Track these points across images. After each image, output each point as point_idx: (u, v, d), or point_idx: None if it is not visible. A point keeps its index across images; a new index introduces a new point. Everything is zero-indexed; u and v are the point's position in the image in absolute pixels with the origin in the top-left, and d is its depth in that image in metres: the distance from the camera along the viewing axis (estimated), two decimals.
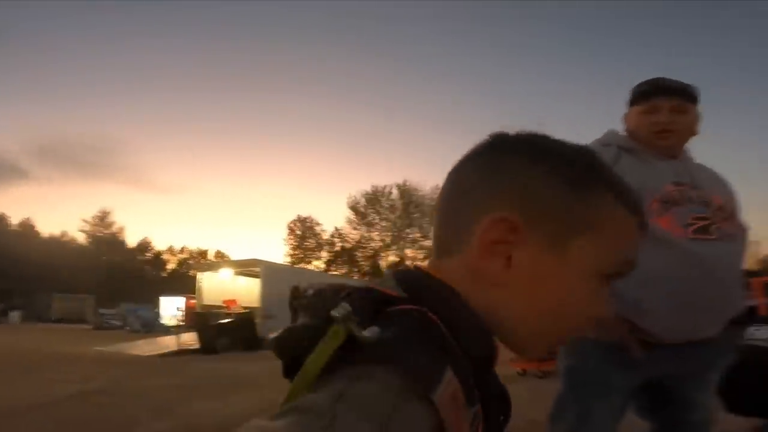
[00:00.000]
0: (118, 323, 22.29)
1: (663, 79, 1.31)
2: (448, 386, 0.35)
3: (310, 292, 0.40)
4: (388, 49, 61.16)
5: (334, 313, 0.35)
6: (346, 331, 0.34)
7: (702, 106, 1.34)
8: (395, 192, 32.71)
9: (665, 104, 1.27)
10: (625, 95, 1.39)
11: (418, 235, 32.66)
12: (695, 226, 1.16)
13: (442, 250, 0.46)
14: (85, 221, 47.90)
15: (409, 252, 33.33)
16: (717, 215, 1.20)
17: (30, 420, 3.53)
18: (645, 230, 0.46)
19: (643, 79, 1.35)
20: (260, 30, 63.39)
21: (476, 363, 0.39)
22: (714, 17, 53.88)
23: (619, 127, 1.40)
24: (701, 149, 1.40)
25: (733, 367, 2.30)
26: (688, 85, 1.31)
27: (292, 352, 0.37)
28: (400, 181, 33.16)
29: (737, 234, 1.23)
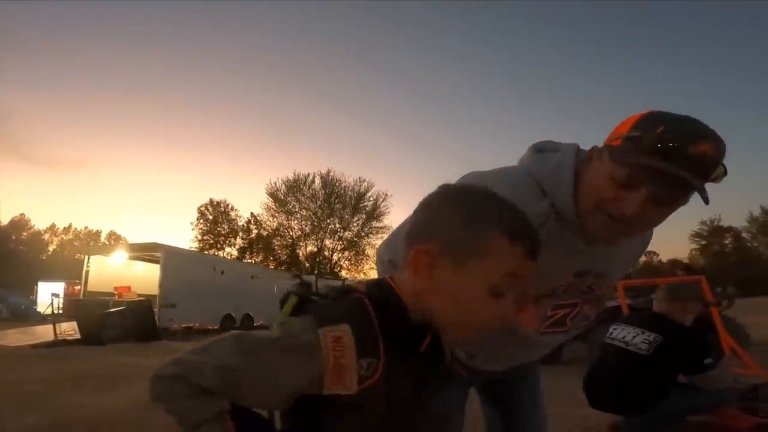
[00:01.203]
0: None
1: (693, 142, 0.75)
2: (337, 332, 0.60)
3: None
4: (321, 34, 60.11)
5: (291, 288, 0.70)
6: (296, 297, 0.68)
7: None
8: (318, 181, 32.20)
9: (651, 188, 0.78)
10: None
11: (338, 225, 32.50)
12: (552, 320, 1.03)
13: (397, 268, 0.74)
14: None
15: (328, 242, 33.05)
16: (586, 300, 1.03)
17: None
18: (533, 254, 0.66)
19: (677, 123, 0.78)
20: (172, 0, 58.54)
21: (401, 339, 0.64)
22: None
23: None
24: None
25: (593, 366, 2.57)
26: (706, 173, 0.78)
27: (281, 306, 0.69)
28: (323, 170, 32.71)
29: (591, 315, 1.08)
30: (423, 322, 0.66)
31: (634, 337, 2.39)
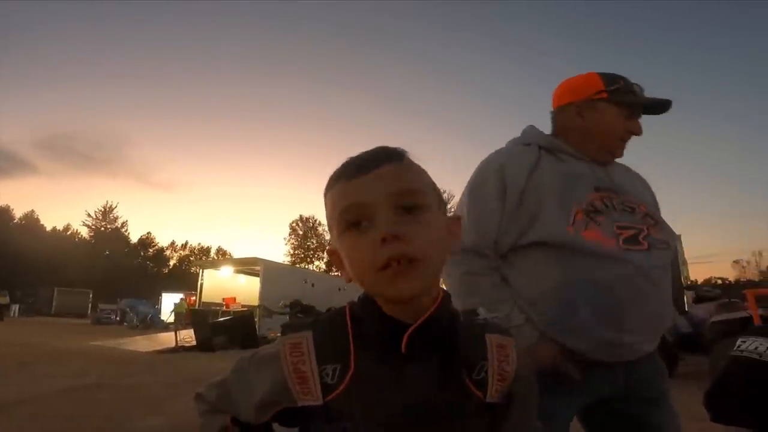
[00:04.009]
0: (116, 318, 22.35)
1: (637, 86, 1.23)
2: (294, 339, 0.61)
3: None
4: (405, 51, 61.25)
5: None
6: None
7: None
8: None
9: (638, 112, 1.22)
10: None
11: None
12: (623, 236, 1.07)
13: None
14: (89, 215, 48.00)
15: None
16: (644, 222, 1.12)
17: (19, 414, 3.52)
18: (343, 179, 0.60)
19: (612, 73, 1.23)
20: (267, 29, 63.56)
21: (378, 344, 0.60)
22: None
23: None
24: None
25: (718, 379, 2.31)
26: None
27: None
28: None
29: (667, 241, 1.13)
30: (402, 320, 0.59)
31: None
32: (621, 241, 1.05)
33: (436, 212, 0.60)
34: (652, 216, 1.14)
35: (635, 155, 1.28)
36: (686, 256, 7.70)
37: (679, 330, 5.81)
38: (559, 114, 1.27)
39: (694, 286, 7.59)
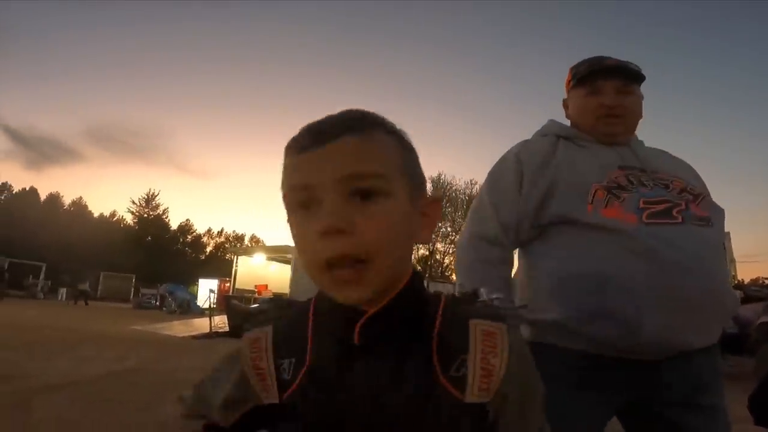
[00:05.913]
0: (156, 303, 23.29)
1: (602, 58, 1.20)
2: (255, 334, 0.58)
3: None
4: (428, 40, 60.44)
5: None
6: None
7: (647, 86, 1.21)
8: (429, 185, 32.02)
9: (608, 85, 1.16)
10: None
11: (450, 229, 32.18)
12: (649, 211, 0.99)
13: None
14: (133, 202, 49.93)
15: (440, 246, 32.95)
16: (680, 197, 1.03)
17: (60, 397, 3.70)
18: (294, 150, 0.53)
19: (582, 59, 1.24)
20: (301, 22, 63.97)
21: (332, 334, 0.54)
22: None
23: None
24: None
25: (765, 380, 2.17)
26: (630, 63, 1.19)
27: None
28: (434, 174, 32.53)
29: (710, 216, 1.02)
30: (359, 308, 0.52)
31: None
32: (645, 216, 0.99)
33: (399, 200, 0.51)
34: (690, 191, 1.06)
35: (681, 149, 1.18)
36: (734, 255, 7.27)
37: (723, 330, 5.55)
38: None
39: (741, 286, 7.19)
